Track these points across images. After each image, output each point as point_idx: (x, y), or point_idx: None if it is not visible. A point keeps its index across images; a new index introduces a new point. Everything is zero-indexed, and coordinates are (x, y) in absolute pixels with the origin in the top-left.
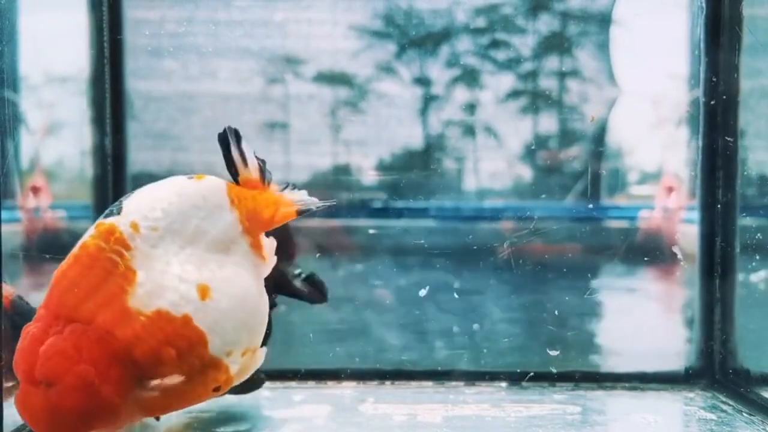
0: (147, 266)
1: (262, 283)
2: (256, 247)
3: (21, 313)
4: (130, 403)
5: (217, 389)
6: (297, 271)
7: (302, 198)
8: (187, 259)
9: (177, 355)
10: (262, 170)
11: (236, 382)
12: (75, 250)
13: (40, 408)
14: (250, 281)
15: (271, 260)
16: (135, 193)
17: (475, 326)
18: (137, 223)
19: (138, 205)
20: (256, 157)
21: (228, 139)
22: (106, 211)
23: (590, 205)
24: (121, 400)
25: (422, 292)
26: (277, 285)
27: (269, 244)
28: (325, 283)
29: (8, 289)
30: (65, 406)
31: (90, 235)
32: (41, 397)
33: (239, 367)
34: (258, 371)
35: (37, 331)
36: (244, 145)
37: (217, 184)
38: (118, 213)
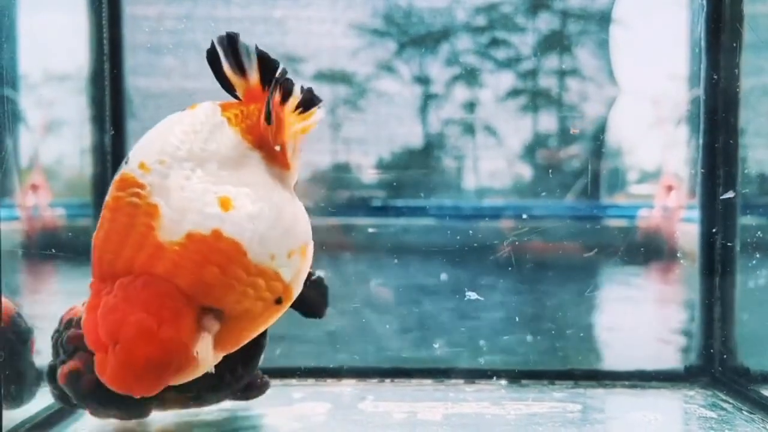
0: (165, 196)
1: (290, 189)
2: (271, 158)
3: (17, 332)
4: (200, 343)
5: (279, 302)
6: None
7: (295, 101)
8: (202, 179)
9: (220, 272)
10: (264, 75)
11: (296, 292)
12: (102, 212)
13: (114, 369)
14: (273, 187)
15: (296, 167)
16: (137, 143)
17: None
18: (144, 163)
19: (141, 148)
20: (259, 52)
21: (216, 55)
22: (118, 168)
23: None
24: (186, 338)
25: (443, 276)
26: None
27: (291, 151)
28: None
29: (9, 305)
30: (134, 359)
31: (108, 193)
32: (112, 359)
33: (292, 272)
34: (261, 374)
35: (91, 300)
36: (240, 47)
37: (210, 107)
38: (126, 163)
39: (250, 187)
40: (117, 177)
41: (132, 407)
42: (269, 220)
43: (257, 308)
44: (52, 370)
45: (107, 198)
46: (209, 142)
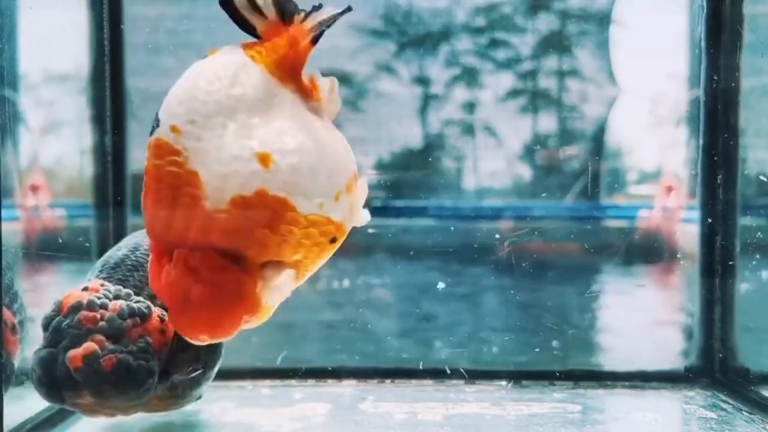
0: (202, 161)
1: (328, 122)
2: (303, 91)
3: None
4: (268, 293)
5: (333, 241)
6: None
7: (314, 21)
8: (236, 135)
9: (271, 232)
10: (280, 10)
11: (353, 224)
12: (145, 178)
13: (186, 330)
14: (308, 125)
15: (332, 99)
16: (164, 100)
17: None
18: (175, 125)
19: (168, 108)
20: None
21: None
22: (150, 129)
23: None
24: (249, 304)
25: (440, 285)
26: None
27: (325, 82)
28: None
29: (9, 316)
30: (203, 326)
31: (146, 158)
32: (184, 320)
33: (343, 212)
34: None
35: (152, 260)
36: None
37: (230, 49)
38: (158, 125)
39: (286, 131)
40: (151, 140)
41: (143, 393)
42: (311, 168)
43: (313, 252)
44: (51, 356)
45: (146, 163)
46: (235, 86)
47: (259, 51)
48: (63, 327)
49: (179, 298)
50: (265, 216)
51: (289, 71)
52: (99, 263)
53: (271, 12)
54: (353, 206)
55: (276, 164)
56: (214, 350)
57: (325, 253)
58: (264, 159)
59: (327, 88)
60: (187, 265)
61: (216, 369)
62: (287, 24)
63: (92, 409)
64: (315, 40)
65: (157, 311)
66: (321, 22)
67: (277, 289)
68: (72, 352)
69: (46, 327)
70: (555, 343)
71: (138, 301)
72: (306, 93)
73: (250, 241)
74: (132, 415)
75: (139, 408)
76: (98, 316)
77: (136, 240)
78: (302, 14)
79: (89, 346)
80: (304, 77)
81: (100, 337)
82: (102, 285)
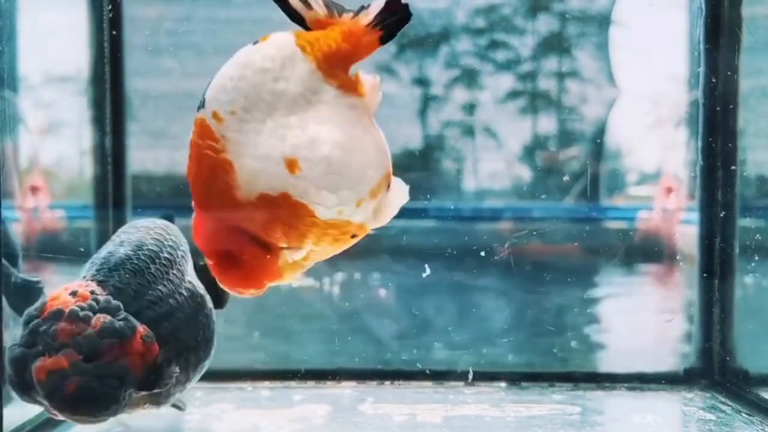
0: (238, 153)
1: (368, 120)
2: (347, 86)
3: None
4: (290, 264)
5: (354, 236)
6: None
7: (370, 17)
8: (270, 134)
9: (290, 227)
10: (328, 3)
11: (377, 223)
12: (190, 149)
13: (220, 280)
14: (344, 128)
15: (375, 95)
16: (214, 78)
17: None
18: (217, 112)
19: (213, 92)
20: None
21: None
22: (199, 103)
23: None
24: (274, 267)
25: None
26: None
27: (368, 79)
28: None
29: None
30: (234, 284)
31: (192, 131)
32: (215, 271)
33: (365, 215)
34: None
35: (195, 216)
36: None
37: (281, 37)
38: (203, 105)
39: (318, 138)
40: (197, 117)
41: (106, 417)
42: (335, 178)
43: (333, 246)
44: (23, 356)
45: (192, 135)
46: (279, 80)
47: (310, 42)
48: (39, 331)
49: (213, 255)
50: (287, 215)
51: (338, 65)
52: (99, 259)
53: (319, 5)
54: (378, 209)
55: (302, 172)
56: (198, 363)
57: (346, 245)
58: (291, 165)
59: (370, 84)
60: (220, 235)
61: (202, 370)
62: (336, 18)
63: (60, 416)
64: (384, 40)
65: (141, 331)
66: (388, 24)
67: (297, 265)
68: (39, 363)
69: (25, 324)
70: (554, 345)
71: (123, 319)
72: (350, 88)
73: (273, 231)
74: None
75: (106, 419)
76: (76, 329)
77: (140, 236)
78: (350, 12)
79: (57, 361)
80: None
81: (72, 353)
82: (92, 292)
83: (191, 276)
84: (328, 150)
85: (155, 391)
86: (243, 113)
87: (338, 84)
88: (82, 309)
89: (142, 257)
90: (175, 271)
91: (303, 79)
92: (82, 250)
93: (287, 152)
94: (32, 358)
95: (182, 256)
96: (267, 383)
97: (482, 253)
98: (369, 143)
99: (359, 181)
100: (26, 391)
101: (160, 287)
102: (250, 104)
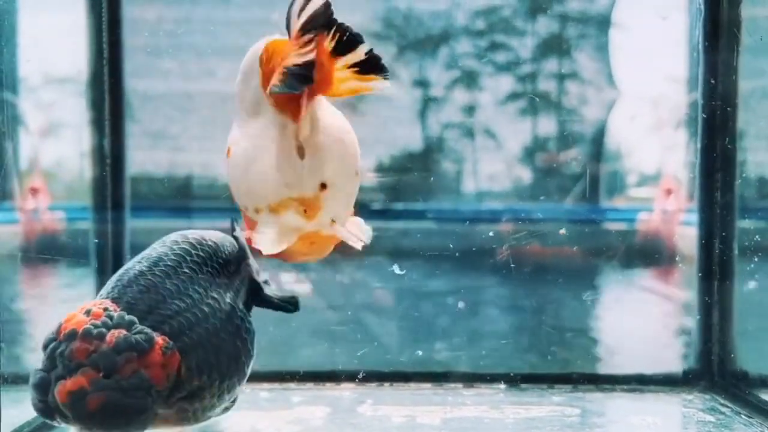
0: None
1: (288, 143)
2: (282, 106)
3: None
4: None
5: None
6: (263, 278)
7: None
8: (236, 124)
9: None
10: (304, 25)
11: (275, 246)
12: None
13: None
14: (256, 143)
15: (306, 123)
16: None
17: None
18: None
19: None
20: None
21: None
22: None
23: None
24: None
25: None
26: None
27: (307, 102)
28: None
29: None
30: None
31: None
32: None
33: (269, 226)
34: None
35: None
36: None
37: (260, 43)
38: None
39: (247, 138)
40: None
41: (131, 425)
42: (236, 180)
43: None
44: (44, 381)
45: None
46: (243, 83)
47: (269, 55)
48: (57, 354)
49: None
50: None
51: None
52: (116, 276)
53: (296, 23)
54: (280, 229)
55: (230, 158)
56: (227, 379)
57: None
58: (227, 150)
59: (309, 115)
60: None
61: (233, 388)
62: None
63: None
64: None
65: (160, 342)
66: (360, 64)
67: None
68: (60, 385)
69: (44, 348)
70: (553, 347)
71: (139, 332)
72: (285, 108)
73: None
74: None
75: None
76: (91, 348)
77: (162, 251)
78: (341, 38)
79: (77, 381)
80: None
81: (90, 371)
82: (105, 309)
83: (226, 291)
84: (236, 157)
85: (183, 405)
86: (237, 105)
87: (274, 102)
88: (96, 327)
89: (158, 273)
90: (196, 287)
91: (255, 90)
92: (82, 251)
93: (229, 141)
94: (54, 381)
95: (211, 272)
96: (265, 384)
97: (482, 255)
98: (274, 163)
99: (253, 193)
100: (53, 414)
101: (176, 302)
102: (238, 98)
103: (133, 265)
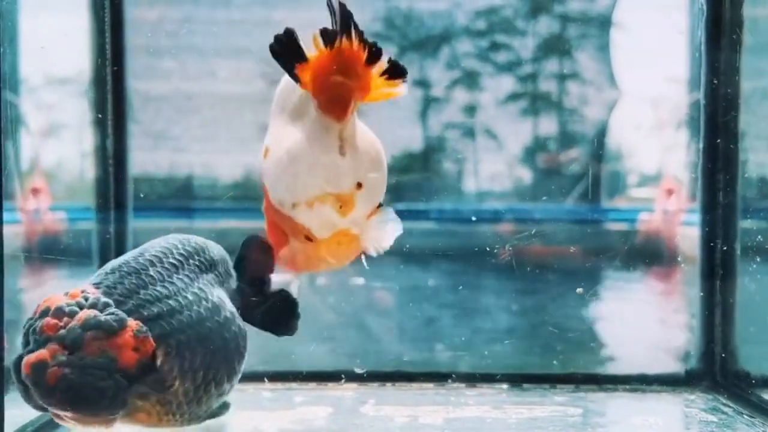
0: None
1: (333, 142)
2: (326, 108)
3: None
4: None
5: (308, 238)
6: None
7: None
8: (275, 127)
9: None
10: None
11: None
12: None
13: None
14: (306, 142)
15: (350, 124)
16: None
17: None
18: None
19: None
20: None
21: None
22: None
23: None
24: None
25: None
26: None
27: (353, 105)
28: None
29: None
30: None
31: None
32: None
33: (308, 219)
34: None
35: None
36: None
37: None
38: None
39: (291, 139)
40: None
41: (96, 411)
42: (277, 173)
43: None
44: (18, 360)
45: None
46: (287, 96)
47: (311, 68)
48: (29, 330)
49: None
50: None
51: (320, 86)
52: (104, 266)
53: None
54: (318, 219)
55: (268, 159)
56: (212, 371)
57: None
58: (265, 152)
59: (353, 117)
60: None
61: (221, 381)
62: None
63: (60, 419)
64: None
65: (132, 325)
66: (387, 71)
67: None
68: (26, 358)
69: (23, 327)
70: (555, 346)
71: (111, 314)
72: (328, 109)
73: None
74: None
75: (111, 423)
76: (60, 324)
77: (147, 245)
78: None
79: (41, 354)
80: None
81: (55, 346)
82: (83, 291)
83: (215, 287)
84: (278, 155)
85: (165, 395)
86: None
87: (319, 106)
88: (69, 305)
89: (141, 261)
90: (181, 276)
91: (299, 96)
92: (83, 252)
93: (266, 142)
94: (25, 356)
95: (198, 265)
96: (268, 384)
97: (483, 255)
98: (317, 160)
99: (294, 187)
100: (25, 395)
101: (159, 288)
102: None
103: (121, 257)
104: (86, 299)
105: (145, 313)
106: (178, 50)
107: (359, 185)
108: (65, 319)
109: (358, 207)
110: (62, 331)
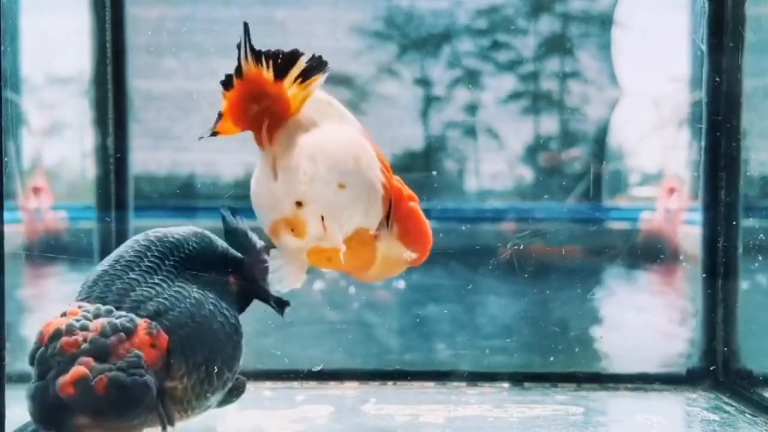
0: None
1: (265, 169)
2: (256, 136)
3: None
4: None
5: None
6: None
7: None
8: None
9: None
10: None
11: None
12: None
13: None
14: (255, 176)
15: (275, 147)
16: None
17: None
18: None
19: None
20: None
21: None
22: None
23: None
24: None
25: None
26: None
27: (266, 132)
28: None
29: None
30: None
31: None
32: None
33: (287, 244)
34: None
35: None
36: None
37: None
38: None
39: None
40: None
41: (145, 411)
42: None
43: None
44: (42, 388)
45: None
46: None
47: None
48: (47, 357)
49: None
50: None
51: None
52: (82, 282)
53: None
54: (289, 244)
55: None
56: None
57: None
58: None
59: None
60: None
61: (222, 372)
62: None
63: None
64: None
65: (142, 324)
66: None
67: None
68: (61, 380)
69: (31, 361)
70: (557, 345)
71: (120, 317)
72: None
73: None
74: None
75: (142, 426)
76: (80, 338)
77: (121, 251)
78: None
79: (77, 370)
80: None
81: (86, 359)
82: (80, 307)
83: (192, 283)
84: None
85: (175, 392)
86: None
87: (253, 135)
88: (77, 320)
89: (119, 268)
90: (161, 277)
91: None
92: (84, 251)
93: None
94: (51, 383)
95: (174, 265)
96: (269, 383)
97: (484, 254)
98: (257, 191)
99: (260, 219)
100: (52, 421)
101: (145, 289)
102: None
103: (94, 269)
104: (88, 311)
105: (143, 314)
106: (179, 49)
107: (299, 204)
108: (81, 333)
109: (312, 225)
110: (85, 345)
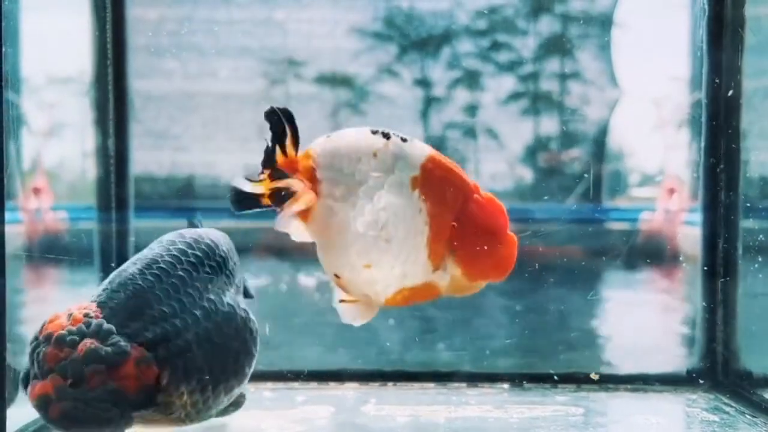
0: None
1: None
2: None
3: None
4: None
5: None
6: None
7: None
8: None
9: None
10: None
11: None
12: None
13: None
14: None
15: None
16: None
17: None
18: None
19: None
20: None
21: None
22: None
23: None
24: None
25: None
26: None
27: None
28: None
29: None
30: None
31: None
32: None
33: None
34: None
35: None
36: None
37: None
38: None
39: None
40: None
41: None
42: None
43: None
44: (26, 377)
45: None
46: None
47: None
48: (34, 354)
49: None
50: None
51: None
52: (110, 277)
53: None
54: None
55: None
56: (222, 381)
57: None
58: None
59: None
60: None
61: (230, 390)
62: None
63: None
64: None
65: (134, 354)
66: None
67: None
68: (31, 386)
69: (30, 344)
70: (557, 346)
71: (113, 344)
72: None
73: None
74: None
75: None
76: (62, 355)
77: (158, 251)
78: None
79: (45, 385)
80: None
81: (57, 378)
82: (86, 315)
83: (227, 289)
84: None
85: (171, 406)
86: None
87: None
88: (71, 333)
89: (149, 276)
90: (190, 290)
91: None
92: (85, 251)
93: None
94: (30, 378)
95: (209, 271)
96: (269, 384)
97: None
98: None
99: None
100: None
101: (165, 307)
102: None
103: (127, 266)
104: (88, 326)
105: (149, 336)
106: (180, 49)
107: (336, 276)
108: (66, 350)
109: (354, 289)
110: (64, 363)
